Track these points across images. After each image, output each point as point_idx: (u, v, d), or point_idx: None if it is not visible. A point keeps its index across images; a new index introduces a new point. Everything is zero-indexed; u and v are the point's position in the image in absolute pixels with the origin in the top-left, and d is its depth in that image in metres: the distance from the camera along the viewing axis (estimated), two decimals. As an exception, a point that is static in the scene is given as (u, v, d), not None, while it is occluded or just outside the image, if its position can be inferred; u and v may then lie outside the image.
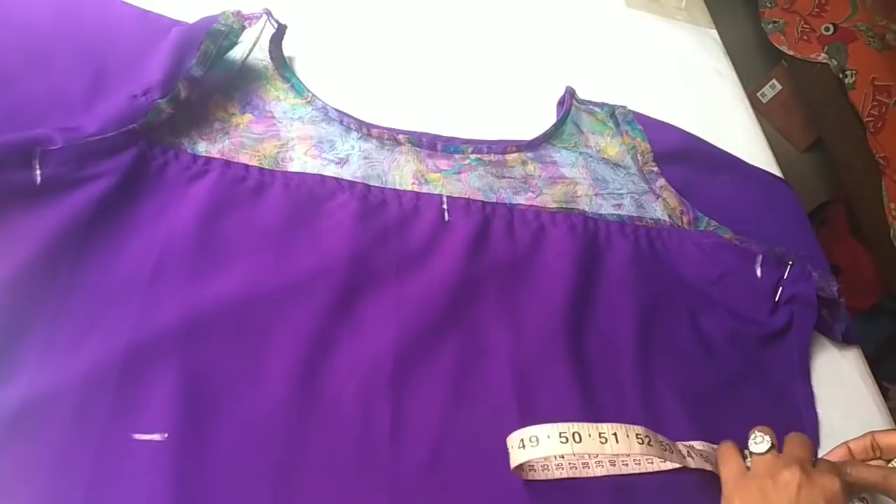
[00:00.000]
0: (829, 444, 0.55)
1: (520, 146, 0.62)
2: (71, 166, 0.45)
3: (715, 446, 0.50)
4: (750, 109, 0.85)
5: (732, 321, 0.58)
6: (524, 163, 0.61)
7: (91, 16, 0.55)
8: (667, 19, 0.91)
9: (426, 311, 0.50)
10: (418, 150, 0.59)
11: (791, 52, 1.26)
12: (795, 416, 0.56)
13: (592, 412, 0.49)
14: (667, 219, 0.62)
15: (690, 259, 0.60)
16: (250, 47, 0.59)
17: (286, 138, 0.55)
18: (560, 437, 0.43)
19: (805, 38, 1.23)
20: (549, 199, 0.59)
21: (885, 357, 1.20)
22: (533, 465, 0.46)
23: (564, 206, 0.59)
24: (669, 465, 0.47)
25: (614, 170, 0.64)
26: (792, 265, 0.60)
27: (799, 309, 0.59)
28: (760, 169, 0.74)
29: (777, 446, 0.46)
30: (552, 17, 0.83)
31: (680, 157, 0.66)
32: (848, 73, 1.14)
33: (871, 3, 1.18)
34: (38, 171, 0.44)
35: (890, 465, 0.49)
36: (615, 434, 0.44)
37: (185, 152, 0.51)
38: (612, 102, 0.69)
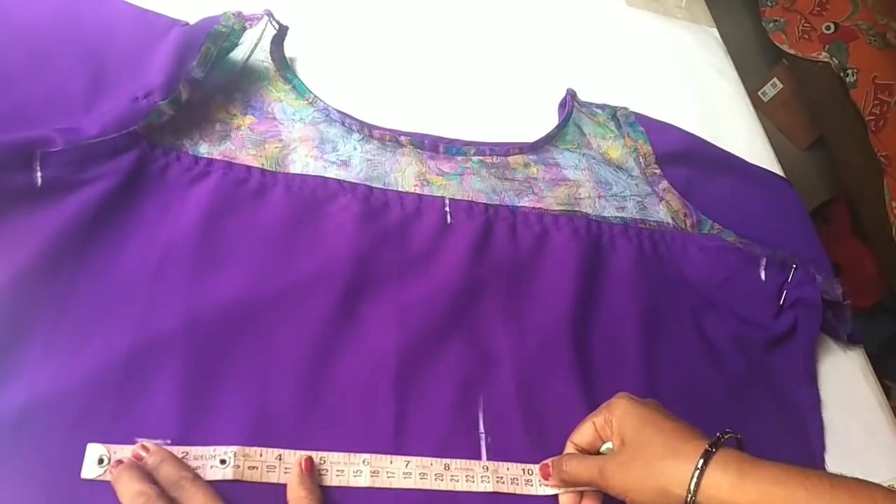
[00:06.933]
0: (833, 444, 0.55)
1: (522, 148, 0.62)
2: (72, 168, 0.45)
3: None
4: (751, 108, 0.84)
5: (737, 324, 0.58)
6: (527, 165, 0.61)
7: (91, 14, 0.55)
8: (667, 18, 0.91)
9: (429, 314, 0.50)
10: (420, 151, 0.58)
11: (792, 51, 1.26)
12: (800, 421, 0.55)
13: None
14: (670, 221, 0.62)
15: (694, 262, 0.60)
16: (251, 48, 0.59)
17: (288, 140, 0.55)
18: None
19: (806, 36, 1.23)
20: (552, 201, 0.59)
21: (887, 355, 1.20)
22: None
23: (567, 208, 0.59)
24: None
25: (617, 172, 0.64)
26: (796, 268, 0.60)
27: (804, 312, 0.58)
28: (762, 168, 0.73)
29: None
30: (553, 16, 0.82)
31: (682, 158, 0.66)
32: (849, 71, 1.14)
33: (872, 2, 1.18)
34: (38, 173, 0.44)
35: (602, 449, 0.44)
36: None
37: (186, 154, 0.51)
38: (613, 102, 0.69)
